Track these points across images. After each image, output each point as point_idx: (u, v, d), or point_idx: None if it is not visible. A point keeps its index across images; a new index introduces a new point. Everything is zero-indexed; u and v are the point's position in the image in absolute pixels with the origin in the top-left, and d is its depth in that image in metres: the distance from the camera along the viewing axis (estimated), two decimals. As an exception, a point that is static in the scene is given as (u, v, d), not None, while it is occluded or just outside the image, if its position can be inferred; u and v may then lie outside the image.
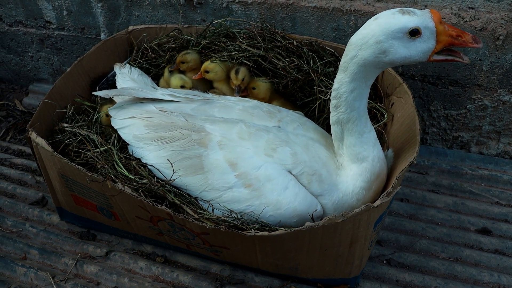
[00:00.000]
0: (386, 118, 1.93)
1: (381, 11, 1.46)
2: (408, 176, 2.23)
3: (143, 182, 1.61)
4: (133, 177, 1.63)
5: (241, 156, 1.58)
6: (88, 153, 1.75)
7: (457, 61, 1.44)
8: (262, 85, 2.05)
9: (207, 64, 2.07)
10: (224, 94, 2.07)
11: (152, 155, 1.66)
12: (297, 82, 2.07)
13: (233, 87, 2.05)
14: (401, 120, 1.81)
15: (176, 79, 2.10)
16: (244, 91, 2.07)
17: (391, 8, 1.44)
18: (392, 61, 1.42)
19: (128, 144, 1.75)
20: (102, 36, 2.70)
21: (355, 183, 1.58)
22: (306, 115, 2.02)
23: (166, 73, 2.16)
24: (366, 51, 1.41)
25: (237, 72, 2.03)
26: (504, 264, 1.83)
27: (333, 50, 2.13)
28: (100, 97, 1.97)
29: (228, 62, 2.13)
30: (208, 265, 1.84)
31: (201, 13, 2.43)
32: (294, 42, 2.11)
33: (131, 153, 1.72)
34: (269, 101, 2.05)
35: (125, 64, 2.15)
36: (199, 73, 2.09)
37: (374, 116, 1.97)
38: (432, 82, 2.24)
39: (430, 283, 1.76)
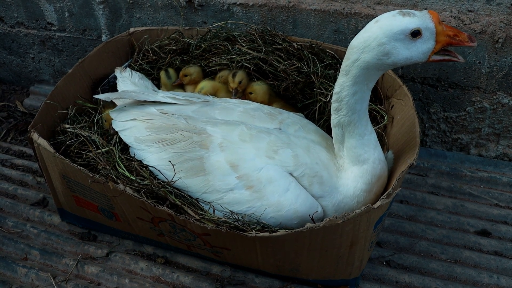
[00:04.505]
0: (386, 120, 1.94)
1: (381, 14, 1.47)
2: (408, 178, 2.24)
3: (144, 183, 1.62)
4: (134, 178, 1.63)
5: (242, 158, 1.58)
6: (90, 154, 1.76)
7: (454, 61, 1.46)
8: (258, 88, 2.06)
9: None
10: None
11: (153, 157, 1.67)
12: (297, 85, 2.08)
13: (231, 90, 2.07)
14: (401, 122, 1.82)
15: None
16: (243, 96, 2.08)
17: (391, 11, 1.45)
18: (394, 62, 1.43)
19: (129, 146, 1.75)
20: (104, 37, 2.71)
21: (356, 185, 1.59)
22: (307, 117, 2.03)
23: (162, 75, 2.18)
24: (369, 53, 1.42)
25: (234, 76, 2.05)
26: (503, 265, 1.84)
27: (333, 53, 2.14)
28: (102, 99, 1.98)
29: (230, 66, 2.15)
30: (209, 266, 1.84)
31: (202, 15, 2.44)
32: (295, 45, 2.12)
33: (132, 155, 1.73)
34: (269, 103, 2.05)
35: (125, 67, 2.16)
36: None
37: (374, 118, 1.98)
38: (432, 84, 2.26)
39: (429, 285, 1.77)
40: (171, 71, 2.18)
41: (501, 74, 2.11)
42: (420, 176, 2.26)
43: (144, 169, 1.67)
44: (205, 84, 2.10)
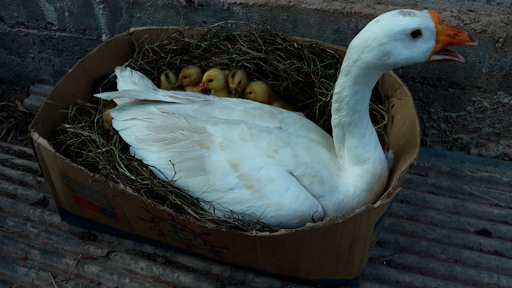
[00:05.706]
0: (386, 120, 1.94)
1: (381, 14, 1.47)
2: (408, 178, 2.24)
3: (144, 182, 1.62)
4: (134, 178, 1.63)
5: (242, 157, 1.58)
6: (90, 154, 1.76)
7: (454, 60, 1.46)
8: (257, 88, 2.06)
9: (210, 73, 2.07)
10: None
11: (153, 156, 1.67)
12: (297, 84, 2.08)
13: (231, 90, 2.07)
14: (401, 122, 1.82)
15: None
16: (242, 96, 2.08)
17: (391, 11, 1.45)
18: (395, 63, 1.43)
19: (129, 145, 1.75)
20: (104, 37, 2.71)
21: (356, 185, 1.59)
22: (307, 116, 2.03)
23: (163, 80, 2.18)
24: (369, 54, 1.41)
25: (233, 76, 2.05)
26: (504, 265, 1.84)
27: (333, 52, 2.14)
28: (102, 99, 1.98)
29: (230, 65, 2.14)
30: (209, 266, 1.84)
31: (202, 15, 2.44)
32: (295, 44, 2.12)
33: (132, 155, 1.73)
34: (269, 103, 2.05)
35: (126, 66, 2.16)
36: (201, 84, 2.09)
37: (374, 117, 1.98)
38: (432, 84, 2.26)
39: (430, 284, 1.77)
40: (171, 75, 2.17)
41: (501, 74, 2.11)
42: (420, 176, 2.26)
43: (144, 168, 1.67)
44: (215, 70, 2.09)
